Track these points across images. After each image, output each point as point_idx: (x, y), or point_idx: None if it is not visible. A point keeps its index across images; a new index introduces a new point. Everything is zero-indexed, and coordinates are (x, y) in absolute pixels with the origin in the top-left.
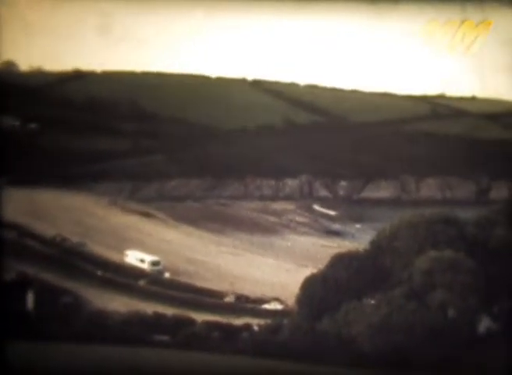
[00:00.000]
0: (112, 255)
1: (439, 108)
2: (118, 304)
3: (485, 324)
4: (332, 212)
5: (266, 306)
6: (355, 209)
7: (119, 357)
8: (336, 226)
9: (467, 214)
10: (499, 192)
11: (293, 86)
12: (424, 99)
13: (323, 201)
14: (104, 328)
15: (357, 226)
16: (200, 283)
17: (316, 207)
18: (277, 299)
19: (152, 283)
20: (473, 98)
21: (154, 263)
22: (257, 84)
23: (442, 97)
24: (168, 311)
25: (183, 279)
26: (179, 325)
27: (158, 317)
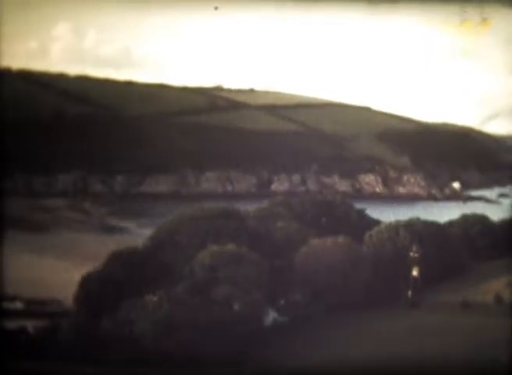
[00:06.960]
0: None
1: (217, 101)
2: None
3: (271, 317)
4: (104, 210)
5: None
6: (133, 204)
7: None
8: (114, 223)
9: (248, 207)
10: (280, 184)
11: (62, 77)
12: (200, 91)
13: (98, 197)
14: None
15: (136, 221)
16: None
17: (89, 204)
18: (56, 300)
19: None
20: (251, 91)
21: None
22: (24, 75)
23: (219, 89)
24: None
25: None
26: None
27: None
